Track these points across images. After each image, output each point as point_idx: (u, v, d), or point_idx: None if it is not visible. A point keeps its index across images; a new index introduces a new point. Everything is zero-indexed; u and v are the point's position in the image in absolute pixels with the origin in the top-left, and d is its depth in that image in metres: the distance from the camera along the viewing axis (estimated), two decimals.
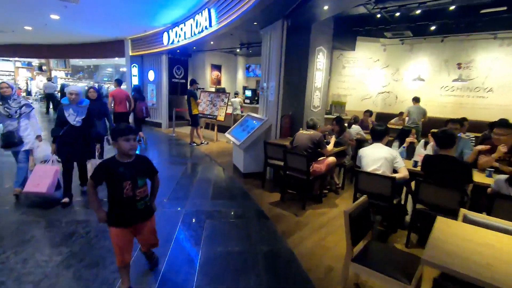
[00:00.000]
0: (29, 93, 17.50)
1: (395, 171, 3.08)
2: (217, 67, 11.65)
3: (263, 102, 5.37)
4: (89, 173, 3.72)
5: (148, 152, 7.10)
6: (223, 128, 9.52)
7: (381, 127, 3.20)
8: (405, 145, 3.78)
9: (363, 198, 2.18)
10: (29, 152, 3.71)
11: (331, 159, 4.11)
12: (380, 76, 9.27)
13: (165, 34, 8.61)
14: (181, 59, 10.64)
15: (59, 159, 3.66)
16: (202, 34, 6.50)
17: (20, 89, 18.24)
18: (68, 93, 3.34)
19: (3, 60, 19.32)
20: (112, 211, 2.01)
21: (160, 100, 10.43)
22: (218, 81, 11.66)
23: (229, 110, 9.02)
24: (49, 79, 13.25)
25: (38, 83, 15.60)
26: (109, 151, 5.62)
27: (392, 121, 8.35)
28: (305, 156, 3.75)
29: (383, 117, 8.61)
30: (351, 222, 1.98)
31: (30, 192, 3.47)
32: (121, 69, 20.11)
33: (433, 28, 6.75)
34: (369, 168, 3.09)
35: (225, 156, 6.58)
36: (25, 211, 3.44)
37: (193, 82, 7.57)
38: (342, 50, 9.00)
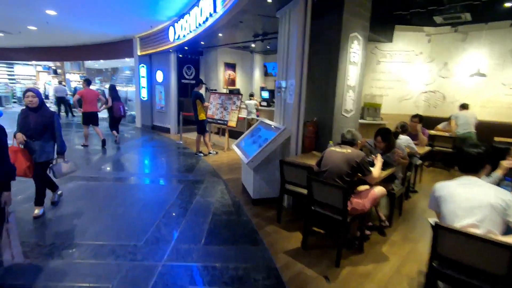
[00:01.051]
0: (46, 96, 17.37)
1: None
2: (231, 66, 10.56)
3: (280, 106, 4.14)
4: None
5: (140, 164, 6.09)
6: (236, 134, 8.40)
7: (477, 148, 1.87)
8: (500, 172, 2.39)
9: None
10: None
11: (379, 190, 2.80)
12: (424, 72, 7.72)
13: (171, 29, 7.63)
14: (191, 58, 9.66)
15: None
16: (207, 23, 5.39)
17: None
18: None
19: (24, 64, 19.53)
20: None
21: (168, 103, 9.49)
22: (232, 81, 10.56)
23: (243, 114, 7.88)
24: (60, 82, 12.81)
25: (54, 87, 15.35)
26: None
27: (440, 126, 6.84)
28: (341, 188, 2.48)
29: (427, 122, 7.05)
30: None
31: None
32: None
33: (508, 4, 5.18)
34: (460, 222, 1.77)
35: (235, 171, 5.42)
36: None
37: (200, 82, 6.49)
38: (377, 42, 7.57)
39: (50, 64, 16.78)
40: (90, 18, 7.83)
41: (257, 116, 8.02)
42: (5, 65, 18.78)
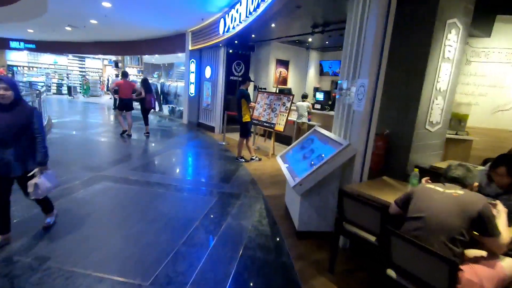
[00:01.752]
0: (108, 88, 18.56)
1: None
2: (284, 63, 9.70)
3: (342, 113, 3.18)
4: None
5: (176, 166, 5.58)
6: (283, 139, 7.56)
7: None
8: None
9: None
10: None
11: (510, 266, 1.72)
12: None
13: (221, 21, 7.08)
14: (242, 53, 9.03)
15: None
16: (259, 10, 4.64)
17: (103, 84, 19.63)
18: None
19: (93, 58, 21.25)
20: None
21: (214, 101, 9.03)
22: (283, 80, 9.70)
23: (293, 117, 6.99)
24: (117, 75, 13.36)
25: (111, 79, 16.25)
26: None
27: None
28: (447, 260, 1.49)
29: None
30: None
31: None
32: None
33: None
34: None
35: (278, 185, 4.59)
36: None
37: (246, 79, 5.78)
38: (468, 37, 6.01)
39: (113, 58, 17.83)
40: (143, 10, 7.68)
41: (309, 120, 7.06)
42: (77, 59, 20.65)
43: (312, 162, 2.88)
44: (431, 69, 3.26)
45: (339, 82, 3.41)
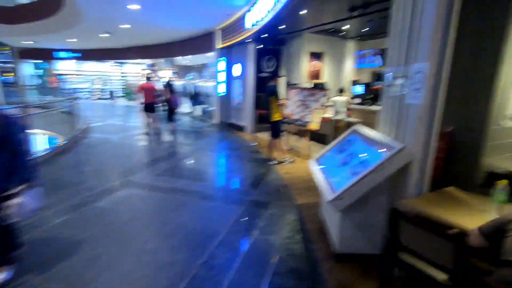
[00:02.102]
0: None
1: None
2: (318, 56, 9.01)
3: (391, 108, 2.57)
4: None
5: (202, 170, 5.28)
6: (319, 137, 6.94)
7: None
8: None
9: None
10: None
11: None
12: None
13: (248, 15, 6.67)
14: (272, 48, 8.54)
15: None
16: None
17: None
18: None
19: (132, 63, 22.21)
20: None
21: (245, 99, 8.68)
22: (317, 74, 9.02)
23: (328, 114, 6.36)
24: (148, 78, 13.66)
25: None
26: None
27: None
28: None
29: None
30: None
31: None
32: None
33: None
34: None
35: (313, 191, 4.05)
36: None
37: (275, 75, 5.31)
38: None
39: (150, 62, 18.40)
40: (170, 9, 7.58)
41: (348, 116, 6.38)
42: (118, 65, 21.74)
43: (355, 170, 2.34)
44: (510, 48, 2.51)
45: (385, 70, 2.79)
